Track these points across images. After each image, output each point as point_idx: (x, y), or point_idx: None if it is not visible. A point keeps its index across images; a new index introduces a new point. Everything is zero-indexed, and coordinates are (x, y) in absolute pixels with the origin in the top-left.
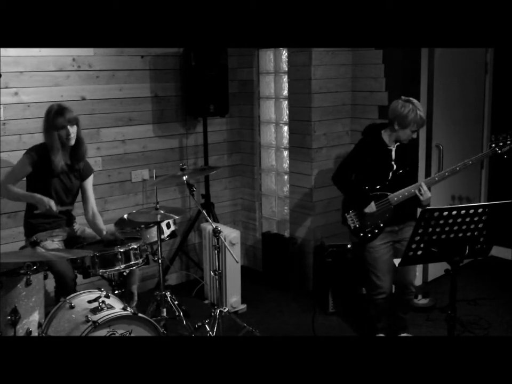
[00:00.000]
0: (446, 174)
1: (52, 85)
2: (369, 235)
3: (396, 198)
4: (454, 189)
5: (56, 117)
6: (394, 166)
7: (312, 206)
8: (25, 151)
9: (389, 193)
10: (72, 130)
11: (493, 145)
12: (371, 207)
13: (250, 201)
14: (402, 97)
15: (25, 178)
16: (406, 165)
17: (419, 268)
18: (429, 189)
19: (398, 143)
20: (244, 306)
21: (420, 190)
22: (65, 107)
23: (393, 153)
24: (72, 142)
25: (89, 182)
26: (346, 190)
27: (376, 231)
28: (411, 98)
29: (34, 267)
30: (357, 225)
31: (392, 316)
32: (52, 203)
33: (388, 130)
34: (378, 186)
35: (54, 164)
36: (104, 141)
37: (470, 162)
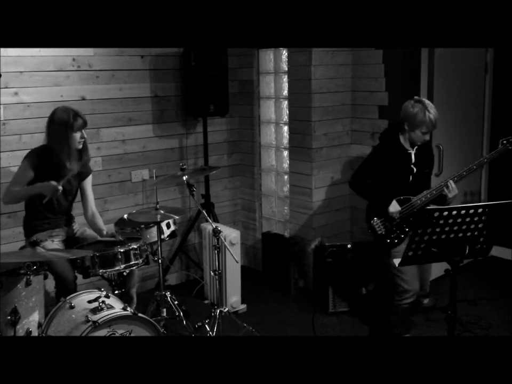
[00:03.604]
0: (464, 173)
1: (52, 85)
2: (396, 240)
3: (419, 201)
4: (465, 185)
5: (75, 119)
6: (414, 169)
7: (312, 206)
8: (25, 155)
9: (412, 197)
10: (85, 133)
11: (504, 141)
12: (395, 206)
13: (250, 201)
14: (415, 97)
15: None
16: (424, 167)
17: None
18: None
19: (416, 146)
20: (243, 306)
21: (448, 187)
22: (77, 109)
23: (413, 156)
24: (81, 145)
25: (88, 182)
26: (366, 193)
27: (402, 236)
28: (423, 99)
29: (34, 267)
30: (383, 232)
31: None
32: (54, 183)
33: (403, 133)
34: (400, 191)
35: (68, 169)
36: (104, 141)
37: (485, 160)
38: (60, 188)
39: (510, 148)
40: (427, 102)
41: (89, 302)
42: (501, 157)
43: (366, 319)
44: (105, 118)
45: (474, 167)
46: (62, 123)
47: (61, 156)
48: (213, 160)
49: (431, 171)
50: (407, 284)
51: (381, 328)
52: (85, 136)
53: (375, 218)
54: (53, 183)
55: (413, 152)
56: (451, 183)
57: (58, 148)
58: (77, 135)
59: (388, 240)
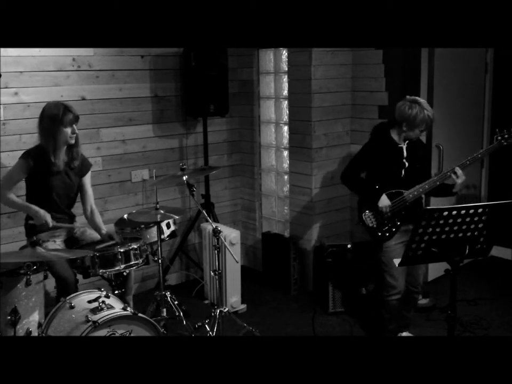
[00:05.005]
0: (468, 162)
1: (51, 85)
2: (387, 234)
3: (411, 195)
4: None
5: (66, 113)
6: (406, 164)
7: (312, 206)
8: (20, 155)
9: (404, 191)
10: (76, 128)
11: (499, 137)
12: (383, 201)
13: (250, 201)
14: (408, 97)
15: (23, 179)
16: (417, 161)
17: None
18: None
19: (407, 141)
20: (243, 306)
21: (455, 173)
22: (68, 104)
23: (404, 151)
24: (73, 140)
25: (87, 178)
26: (356, 187)
27: (394, 229)
28: (417, 98)
29: (34, 267)
30: (374, 225)
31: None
32: (48, 217)
33: (396, 129)
34: (392, 185)
35: (55, 164)
36: (104, 141)
37: (479, 155)
38: (50, 224)
39: (505, 143)
40: (421, 100)
41: (89, 302)
42: (501, 153)
43: (365, 318)
44: (105, 118)
45: (468, 162)
46: (52, 118)
47: (51, 152)
48: (213, 160)
49: (429, 166)
50: (393, 280)
51: (376, 325)
52: (77, 131)
53: (366, 211)
54: (48, 218)
55: (404, 147)
56: (458, 169)
57: (50, 144)
58: (68, 130)
59: (379, 234)
